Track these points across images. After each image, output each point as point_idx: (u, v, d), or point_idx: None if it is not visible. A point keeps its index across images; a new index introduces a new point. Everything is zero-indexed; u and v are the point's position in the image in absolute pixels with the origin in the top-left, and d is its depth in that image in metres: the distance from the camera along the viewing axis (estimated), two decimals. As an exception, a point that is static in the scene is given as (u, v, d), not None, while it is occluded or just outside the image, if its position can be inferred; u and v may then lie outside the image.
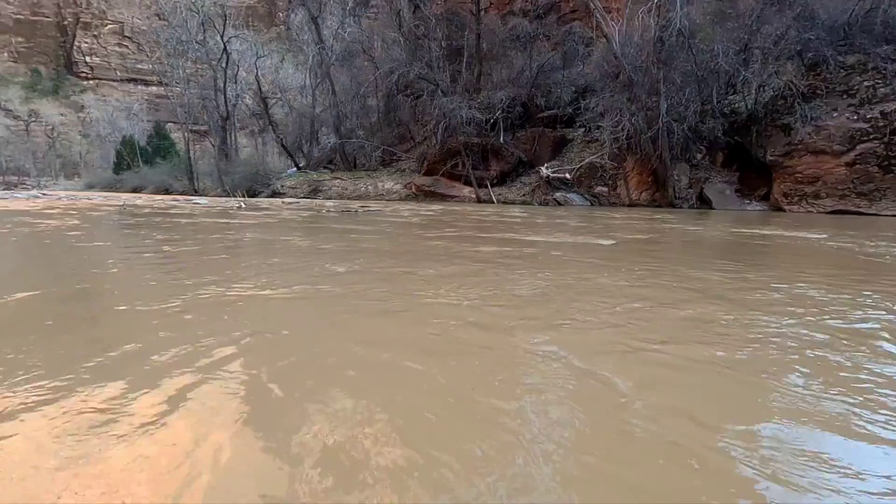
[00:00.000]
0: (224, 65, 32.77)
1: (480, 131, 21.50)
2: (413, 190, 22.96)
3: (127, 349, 2.27)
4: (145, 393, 1.81)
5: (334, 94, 30.00)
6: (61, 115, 78.18)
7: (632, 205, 17.62)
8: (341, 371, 1.97)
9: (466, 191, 21.62)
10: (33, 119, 75.82)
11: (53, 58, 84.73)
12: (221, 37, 32.36)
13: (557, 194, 18.77)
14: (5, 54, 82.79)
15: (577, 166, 19.02)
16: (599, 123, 18.26)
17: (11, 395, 1.81)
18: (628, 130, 17.15)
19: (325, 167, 29.88)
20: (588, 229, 9.03)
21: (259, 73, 34.40)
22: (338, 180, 26.05)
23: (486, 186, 21.03)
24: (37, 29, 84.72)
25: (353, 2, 32.23)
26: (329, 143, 30.23)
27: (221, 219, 11.66)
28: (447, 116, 21.29)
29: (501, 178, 21.57)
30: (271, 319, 2.75)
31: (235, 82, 34.52)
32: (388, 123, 29.91)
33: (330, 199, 23.00)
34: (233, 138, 36.37)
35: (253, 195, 25.84)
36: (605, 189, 18.43)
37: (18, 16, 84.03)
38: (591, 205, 18.09)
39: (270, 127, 34.62)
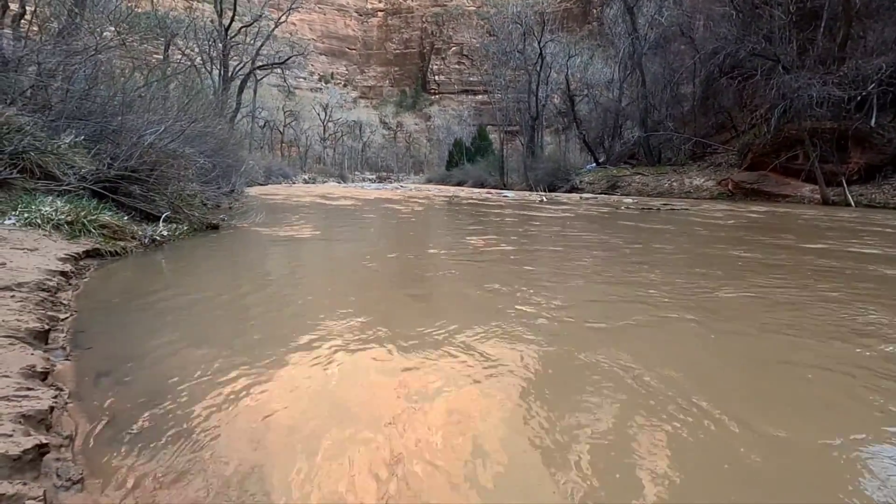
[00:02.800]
0: (539, 68, 35.45)
1: (838, 113, 16.73)
2: (729, 187, 19.82)
3: (441, 302, 2.89)
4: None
5: (644, 84, 28.49)
6: (415, 124, 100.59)
7: None
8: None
9: (806, 189, 17.29)
10: (399, 128, 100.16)
11: (415, 80, 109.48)
12: (538, 42, 35.13)
13: (972, 197, 12.93)
14: (387, 81, 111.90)
15: None
16: None
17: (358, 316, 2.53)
18: None
19: (625, 162, 28.89)
20: None
21: (569, 72, 35.79)
22: (638, 176, 24.81)
23: (841, 184, 16.27)
24: (406, 59, 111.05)
25: (675, -19, 29.68)
26: (633, 136, 29.06)
27: (526, 211, 12.85)
28: (788, 97, 17.38)
29: (867, 173, 16.30)
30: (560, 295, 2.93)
31: (546, 84, 36.85)
32: (703, 112, 26.62)
33: (628, 195, 22.15)
34: (539, 136, 39.09)
35: (552, 189, 27.25)
36: None
37: (397, 51, 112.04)
38: None
39: (575, 123, 35.59)
